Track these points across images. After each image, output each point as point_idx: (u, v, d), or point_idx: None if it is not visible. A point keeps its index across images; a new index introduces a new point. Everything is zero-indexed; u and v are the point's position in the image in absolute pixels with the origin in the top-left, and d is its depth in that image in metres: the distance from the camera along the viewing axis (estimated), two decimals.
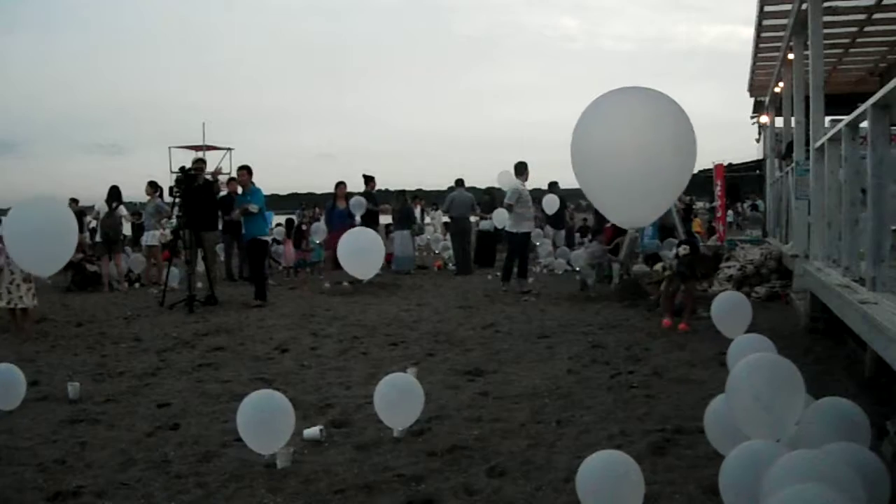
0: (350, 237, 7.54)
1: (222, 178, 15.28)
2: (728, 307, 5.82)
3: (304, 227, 12.89)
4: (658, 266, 8.90)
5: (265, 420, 3.70)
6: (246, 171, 9.97)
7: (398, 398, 4.06)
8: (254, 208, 9.57)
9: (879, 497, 2.59)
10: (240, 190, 10.29)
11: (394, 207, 14.07)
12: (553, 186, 16.81)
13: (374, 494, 3.31)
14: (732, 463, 2.74)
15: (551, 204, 14.56)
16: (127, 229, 15.11)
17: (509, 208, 10.20)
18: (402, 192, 14.73)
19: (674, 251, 7.54)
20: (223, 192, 12.37)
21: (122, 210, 12.26)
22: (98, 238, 11.93)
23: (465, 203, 13.69)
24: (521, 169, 10.39)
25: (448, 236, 15.47)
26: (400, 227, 13.68)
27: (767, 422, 2.97)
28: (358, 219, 12.29)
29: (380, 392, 4.07)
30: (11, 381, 4.71)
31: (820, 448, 2.70)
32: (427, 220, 21.03)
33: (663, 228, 12.19)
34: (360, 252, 7.34)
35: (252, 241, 9.76)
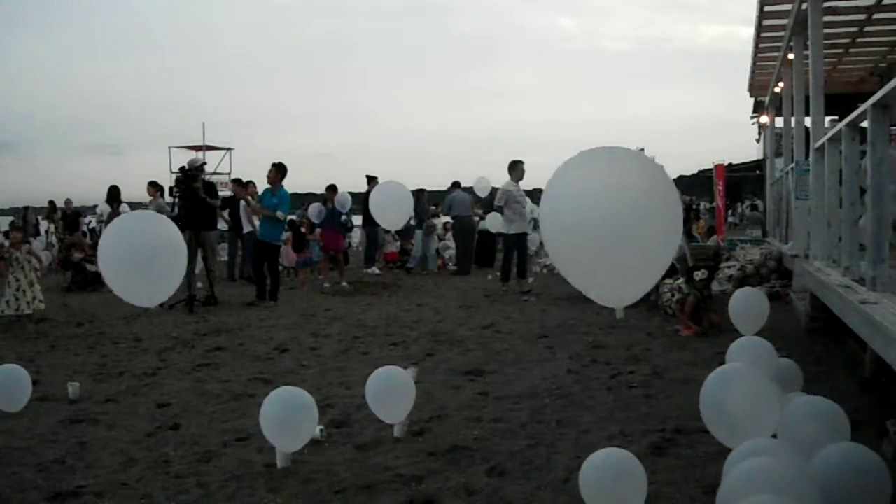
0: (382, 188, 7.92)
1: (222, 179, 15.22)
2: (746, 304, 5.74)
3: (303, 230, 12.86)
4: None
5: (290, 417, 3.70)
6: (276, 168, 9.73)
7: (387, 393, 4.06)
8: (280, 216, 9.63)
9: (880, 498, 2.59)
10: (232, 191, 10.27)
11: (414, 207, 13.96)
12: None
13: (374, 494, 3.31)
14: (734, 462, 2.75)
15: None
16: None
17: (500, 210, 10.20)
18: (419, 191, 14.43)
19: (694, 276, 7.37)
20: (228, 193, 12.35)
21: (126, 209, 12.28)
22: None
23: (465, 202, 13.69)
24: (513, 167, 10.24)
25: (448, 236, 15.48)
26: (418, 227, 13.67)
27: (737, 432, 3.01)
28: (345, 217, 12.30)
29: (369, 388, 4.07)
30: (17, 383, 4.67)
31: (819, 452, 2.71)
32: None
33: None
34: (390, 204, 7.62)
35: (265, 245, 9.72)
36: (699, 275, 7.20)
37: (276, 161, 9.85)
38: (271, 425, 3.67)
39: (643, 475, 2.90)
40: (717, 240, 13.66)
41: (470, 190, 14.44)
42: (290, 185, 10.20)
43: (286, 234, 12.78)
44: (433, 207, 15.58)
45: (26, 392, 4.71)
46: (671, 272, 8.50)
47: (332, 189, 12.23)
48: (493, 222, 12.98)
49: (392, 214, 7.89)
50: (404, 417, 4.08)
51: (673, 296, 7.47)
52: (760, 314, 5.60)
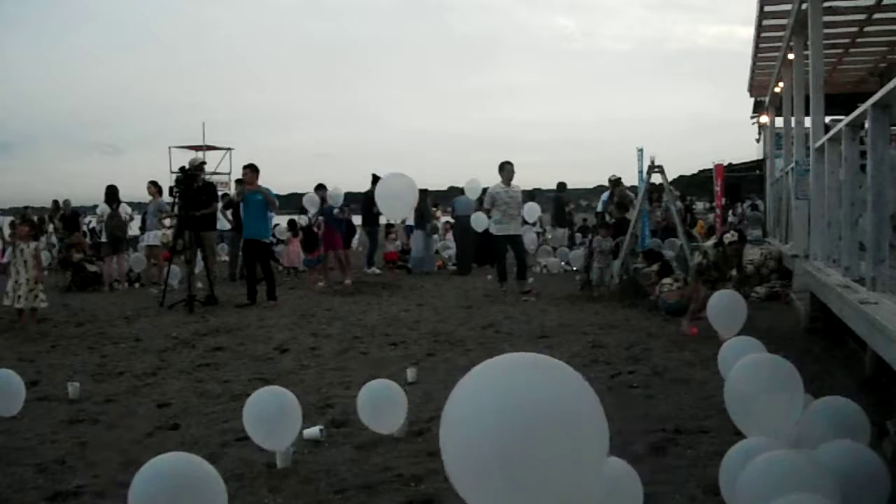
0: (386, 180, 7.73)
1: (222, 179, 15.18)
2: (723, 306, 5.79)
3: (315, 229, 12.84)
4: (655, 267, 8.85)
5: (272, 417, 3.69)
6: (250, 169, 9.79)
7: (377, 408, 4.04)
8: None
9: (878, 496, 2.60)
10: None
11: (415, 206, 14.02)
12: (561, 187, 16.98)
13: (374, 494, 3.31)
14: (731, 459, 2.75)
15: (531, 212, 14.68)
16: (135, 228, 15.11)
17: (487, 213, 10.23)
18: (424, 191, 14.48)
19: (717, 240, 6.57)
20: (229, 193, 12.38)
21: (126, 208, 12.30)
22: (104, 238, 11.94)
23: (468, 205, 13.73)
24: (501, 169, 10.22)
25: (448, 236, 15.52)
26: (419, 227, 13.66)
27: (767, 421, 2.98)
28: (337, 210, 12.29)
29: (360, 402, 4.05)
30: (10, 388, 4.56)
31: (818, 447, 2.71)
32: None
33: (667, 229, 12.20)
34: (394, 195, 7.41)
35: (253, 242, 9.73)
36: (729, 237, 6.48)
37: (249, 163, 9.91)
38: (254, 424, 3.69)
39: (638, 487, 2.85)
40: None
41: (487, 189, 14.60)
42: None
43: (286, 234, 12.80)
44: (434, 207, 15.59)
45: (20, 396, 4.60)
46: (667, 271, 8.50)
47: (321, 188, 12.26)
48: (478, 221, 13.01)
49: (397, 205, 7.78)
50: (398, 428, 4.07)
51: (695, 259, 6.71)
52: (738, 316, 5.61)
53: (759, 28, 10.22)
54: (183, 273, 10.35)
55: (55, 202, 19.66)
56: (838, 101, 10.64)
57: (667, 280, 8.23)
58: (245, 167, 9.89)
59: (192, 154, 21.68)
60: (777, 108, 13.69)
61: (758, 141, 19.01)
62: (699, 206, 26.70)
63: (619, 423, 4.21)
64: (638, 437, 3.93)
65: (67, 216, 15.43)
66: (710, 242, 6.74)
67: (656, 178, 10.63)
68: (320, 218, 12.03)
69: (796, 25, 8.57)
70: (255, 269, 9.71)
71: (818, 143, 6.44)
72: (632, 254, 10.16)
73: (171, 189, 10.11)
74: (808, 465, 2.41)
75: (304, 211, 13.25)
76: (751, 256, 10.10)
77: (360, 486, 3.39)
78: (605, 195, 13.58)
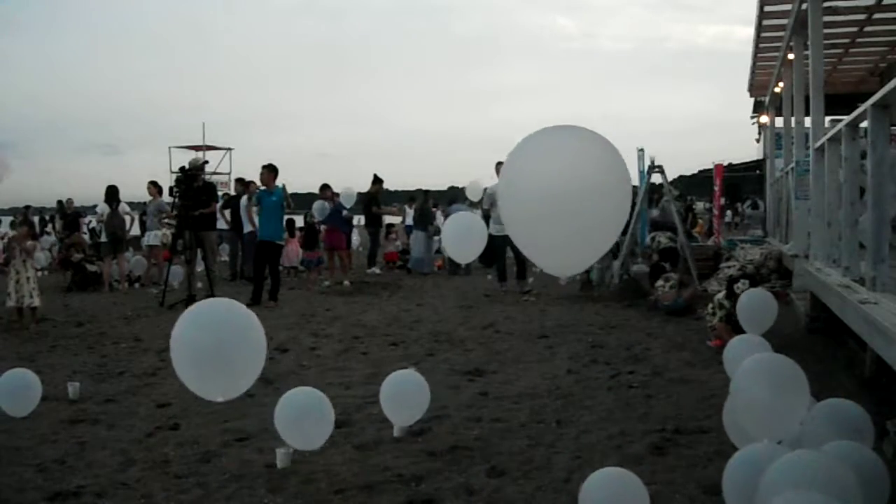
0: (454, 221, 7.42)
1: (222, 179, 15.18)
2: (752, 305, 5.55)
3: (317, 228, 12.85)
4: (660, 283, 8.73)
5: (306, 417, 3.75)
6: (268, 169, 9.78)
7: (404, 394, 4.11)
8: (291, 203, 9.92)
9: (878, 496, 2.60)
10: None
11: (415, 207, 14.12)
12: None
13: (374, 494, 3.31)
14: (736, 464, 2.74)
15: None
16: (135, 229, 15.12)
17: (487, 213, 10.24)
18: (425, 192, 14.55)
19: (734, 287, 6.34)
20: (230, 192, 12.39)
21: (125, 208, 12.30)
22: (103, 238, 11.93)
23: (463, 208, 13.79)
24: (497, 169, 10.26)
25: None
26: (419, 228, 13.67)
27: (771, 422, 2.97)
28: (346, 212, 12.32)
29: (385, 389, 4.11)
30: (27, 387, 4.60)
31: (819, 448, 2.70)
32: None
33: (666, 228, 12.19)
34: (462, 236, 7.20)
35: (267, 244, 9.70)
36: (740, 286, 6.29)
37: (267, 163, 9.88)
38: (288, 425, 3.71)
39: (645, 495, 2.83)
40: (714, 240, 13.69)
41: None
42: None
43: (283, 235, 12.76)
44: (434, 208, 15.61)
45: (35, 396, 4.61)
46: (660, 272, 8.48)
47: (325, 188, 12.35)
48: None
49: (465, 247, 7.47)
50: (414, 421, 4.10)
51: (714, 313, 6.44)
52: (768, 315, 5.43)
53: (759, 28, 10.22)
54: (183, 273, 10.34)
55: (60, 202, 19.67)
56: (838, 101, 10.63)
57: (659, 282, 8.23)
58: (263, 167, 9.85)
59: (192, 154, 21.70)
60: (777, 108, 13.68)
61: (758, 141, 19.00)
62: (699, 206, 26.67)
63: (619, 423, 4.23)
64: (638, 437, 3.94)
65: (69, 215, 15.44)
66: (722, 295, 6.55)
67: (656, 178, 10.66)
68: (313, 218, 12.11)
69: (796, 25, 8.57)
70: (264, 271, 9.70)
71: (818, 143, 6.44)
72: (631, 254, 10.17)
73: (171, 189, 10.10)
74: (832, 467, 2.41)
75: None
76: (750, 256, 10.11)
77: (360, 486, 3.39)
78: None
